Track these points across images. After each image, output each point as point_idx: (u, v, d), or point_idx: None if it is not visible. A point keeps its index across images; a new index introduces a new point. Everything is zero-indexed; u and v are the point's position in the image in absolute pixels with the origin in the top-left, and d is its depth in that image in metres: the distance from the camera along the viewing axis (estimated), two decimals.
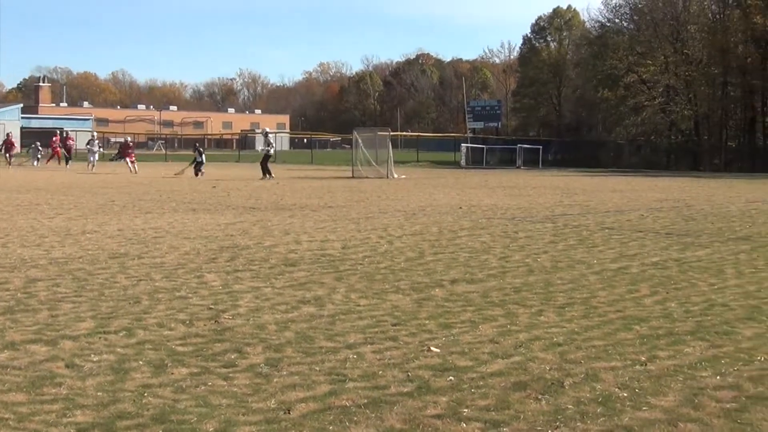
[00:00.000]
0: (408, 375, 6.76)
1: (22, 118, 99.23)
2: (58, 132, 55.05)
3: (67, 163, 52.45)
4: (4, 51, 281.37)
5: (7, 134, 54.04)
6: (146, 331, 8.19)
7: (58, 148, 54.77)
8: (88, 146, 50.30)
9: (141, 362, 7.05)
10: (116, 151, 52.69)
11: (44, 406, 5.90)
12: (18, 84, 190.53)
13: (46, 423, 5.57)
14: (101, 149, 53.63)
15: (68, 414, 5.75)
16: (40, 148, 54.76)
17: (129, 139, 50.86)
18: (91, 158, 49.32)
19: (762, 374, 6.90)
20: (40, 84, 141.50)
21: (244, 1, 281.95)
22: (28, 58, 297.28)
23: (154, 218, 19.45)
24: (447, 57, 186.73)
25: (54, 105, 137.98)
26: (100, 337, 7.88)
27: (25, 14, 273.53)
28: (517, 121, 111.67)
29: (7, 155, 52.69)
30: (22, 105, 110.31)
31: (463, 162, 70.37)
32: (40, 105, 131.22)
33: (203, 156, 43.93)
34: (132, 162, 47.41)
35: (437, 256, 13.64)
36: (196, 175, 42.20)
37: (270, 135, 43.19)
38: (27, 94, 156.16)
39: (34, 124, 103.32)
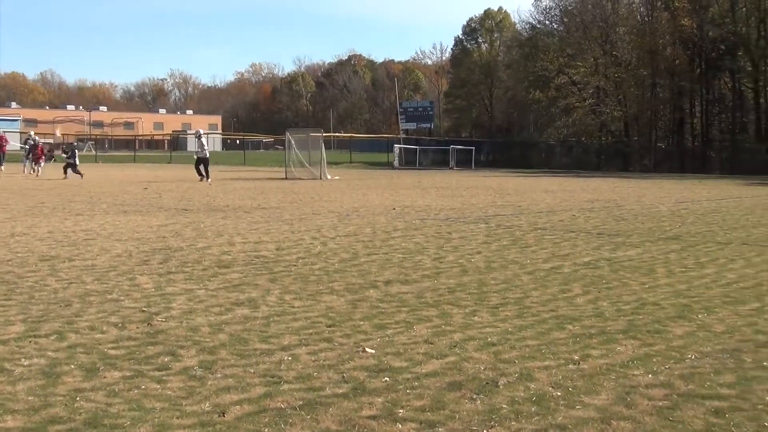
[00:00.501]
0: (343, 376, 6.76)
1: None
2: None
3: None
4: None
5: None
6: (78, 334, 8.09)
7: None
8: (25, 146, 47.96)
9: (73, 366, 6.96)
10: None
11: None
12: None
13: None
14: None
15: None
16: None
17: (37, 139, 48.44)
18: (29, 161, 47.11)
19: (693, 372, 6.99)
20: None
21: (175, 1, 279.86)
22: None
23: (84, 220, 19.23)
24: (379, 58, 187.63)
25: None
26: (30, 341, 7.77)
27: None
28: (450, 122, 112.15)
29: None
30: None
31: (396, 163, 70.53)
32: None
33: (76, 157, 42.17)
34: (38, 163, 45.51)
35: (371, 257, 13.64)
36: (65, 174, 40.89)
37: (203, 137, 41.65)
38: None
39: None
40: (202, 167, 39.72)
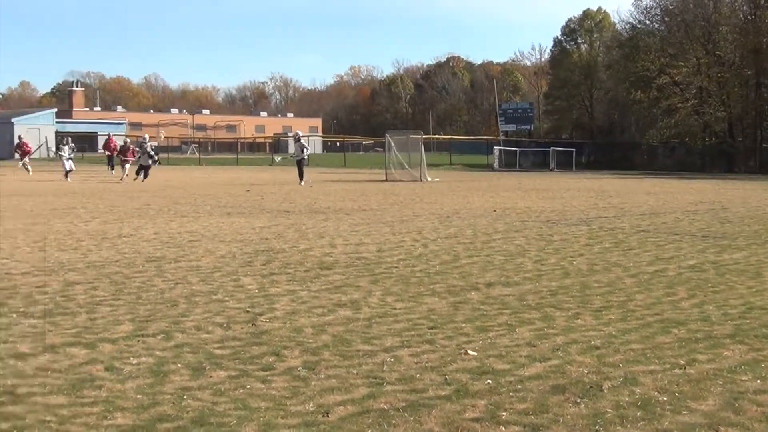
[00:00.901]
0: (446, 378, 6.76)
1: (57, 122, 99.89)
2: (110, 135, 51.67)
3: (112, 168, 49.62)
4: (38, 56, 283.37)
5: (19, 137, 52.33)
6: (184, 334, 8.24)
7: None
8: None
9: (180, 365, 7.08)
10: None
11: (85, 409, 5.94)
12: (52, 89, 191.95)
13: (87, 425, 5.62)
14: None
15: (108, 416, 5.79)
16: (73, 148, 51.21)
17: (128, 141, 47.22)
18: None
19: None
20: (74, 88, 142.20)
21: (275, 5, 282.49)
22: (62, 63, 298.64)
23: (189, 222, 19.55)
24: (477, 60, 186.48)
25: (87, 109, 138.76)
26: (138, 340, 7.93)
27: (58, 19, 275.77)
28: (550, 124, 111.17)
29: (22, 159, 50.63)
30: (56, 109, 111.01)
31: (496, 165, 70.20)
32: (74, 109, 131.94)
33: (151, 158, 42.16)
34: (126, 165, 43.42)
35: (472, 260, 13.62)
36: (137, 176, 40.55)
37: (303, 139, 41.80)
38: (61, 99, 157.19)
39: (69, 128, 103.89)
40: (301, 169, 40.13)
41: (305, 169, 40.67)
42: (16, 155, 51.87)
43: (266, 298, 10.09)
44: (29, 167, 48.18)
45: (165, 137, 52.37)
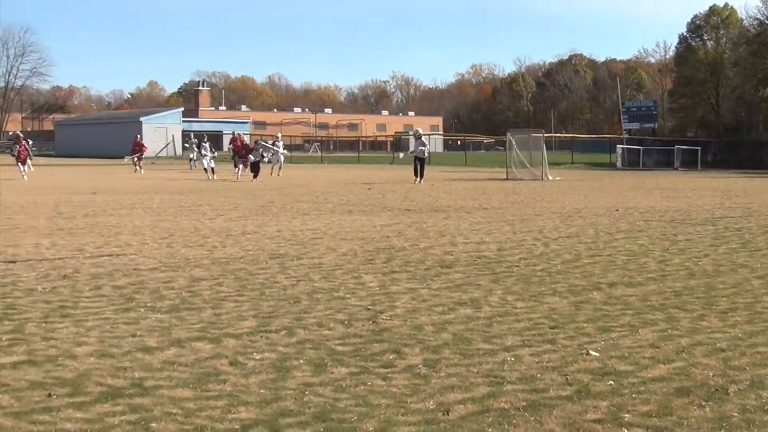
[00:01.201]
0: (567, 378, 6.71)
1: (183, 121, 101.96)
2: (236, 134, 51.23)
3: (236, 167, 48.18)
4: (165, 56, 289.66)
5: (135, 137, 52.74)
6: (306, 330, 8.33)
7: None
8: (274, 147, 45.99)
9: (302, 361, 7.17)
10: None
11: (209, 402, 6.06)
12: (178, 88, 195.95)
13: (212, 419, 5.72)
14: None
15: (233, 410, 5.89)
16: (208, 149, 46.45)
17: (244, 138, 46.42)
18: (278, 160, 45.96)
19: None
20: (200, 88, 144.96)
21: (396, 4, 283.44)
22: (188, 63, 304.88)
23: (311, 219, 19.76)
24: (600, 57, 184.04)
25: (213, 109, 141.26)
26: (261, 336, 8.05)
27: (185, 20, 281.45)
28: (674, 122, 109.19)
29: (136, 158, 50.89)
30: (182, 109, 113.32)
31: (618, 163, 69.26)
32: (200, 109, 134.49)
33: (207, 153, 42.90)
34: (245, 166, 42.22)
35: (594, 259, 13.48)
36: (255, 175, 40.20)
37: (424, 136, 41.64)
38: (187, 98, 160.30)
39: (195, 127, 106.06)
40: (419, 167, 39.60)
41: (426, 168, 40.24)
42: (130, 154, 52.40)
43: (387, 296, 10.15)
44: (139, 167, 48.83)
45: (282, 136, 51.28)
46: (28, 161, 41.44)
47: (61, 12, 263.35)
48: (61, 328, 8.27)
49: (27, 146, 41.90)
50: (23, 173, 39.84)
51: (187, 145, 46.17)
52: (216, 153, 46.04)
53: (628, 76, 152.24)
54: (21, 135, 41.85)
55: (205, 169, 43.88)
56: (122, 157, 54.41)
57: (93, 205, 23.39)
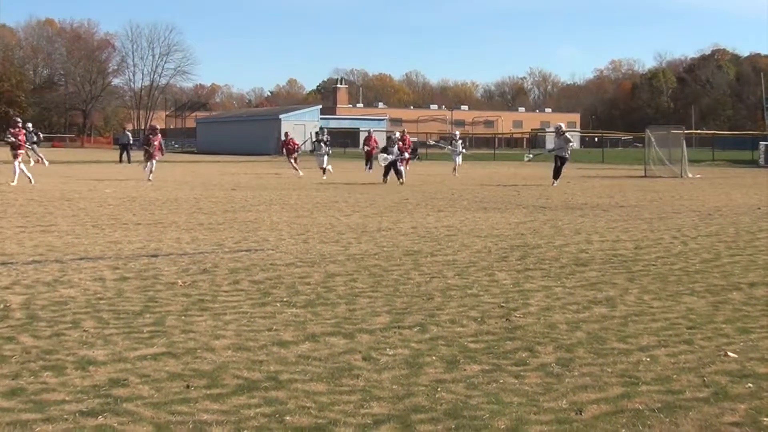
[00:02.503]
0: (704, 380, 6.58)
1: (321, 118, 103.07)
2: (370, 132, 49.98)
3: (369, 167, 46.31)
4: (304, 55, 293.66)
5: (285, 133, 49.53)
6: (439, 327, 8.35)
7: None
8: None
9: (434, 357, 7.19)
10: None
11: (342, 397, 6.12)
12: (317, 86, 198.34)
13: (345, 413, 5.78)
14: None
15: (365, 405, 5.94)
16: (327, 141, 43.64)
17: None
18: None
19: None
20: (338, 86, 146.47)
21: (534, 0, 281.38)
22: (327, 61, 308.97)
23: (446, 216, 19.78)
24: (744, 52, 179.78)
25: (351, 106, 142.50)
26: (395, 332, 8.10)
27: (324, 19, 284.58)
28: None
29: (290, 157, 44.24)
30: (321, 106, 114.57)
31: (761, 161, 67.30)
32: (338, 106, 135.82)
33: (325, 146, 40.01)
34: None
35: (734, 258, 13.17)
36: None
37: (568, 132, 37.15)
38: (326, 96, 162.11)
39: (332, 124, 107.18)
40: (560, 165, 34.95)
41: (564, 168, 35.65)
42: (282, 152, 50.18)
43: (520, 294, 10.10)
44: (297, 167, 42.60)
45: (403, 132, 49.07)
46: (156, 158, 35.55)
47: (204, 12, 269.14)
48: (200, 321, 8.47)
49: (161, 141, 36.60)
50: (149, 171, 35.00)
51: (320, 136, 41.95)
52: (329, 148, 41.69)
53: None
54: (157, 127, 37.98)
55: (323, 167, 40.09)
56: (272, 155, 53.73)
57: (232, 201, 23.86)
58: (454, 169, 43.30)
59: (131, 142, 61.50)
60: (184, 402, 5.95)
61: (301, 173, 40.76)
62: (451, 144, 45.47)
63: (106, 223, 17.45)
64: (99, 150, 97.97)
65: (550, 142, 37.09)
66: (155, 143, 35.30)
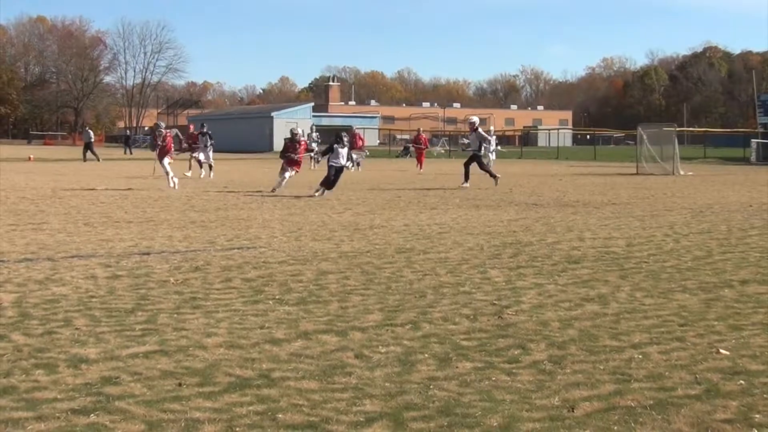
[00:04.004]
0: (696, 377, 6.59)
1: (313, 116, 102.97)
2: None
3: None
4: (296, 52, 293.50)
5: (313, 128, 46.85)
6: (431, 324, 8.35)
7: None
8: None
9: (426, 355, 7.19)
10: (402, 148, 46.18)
11: (335, 395, 6.12)
12: (309, 84, 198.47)
13: (337, 410, 5.78)
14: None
15: (357, 403, 5.94)
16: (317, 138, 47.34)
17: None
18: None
19: None
20: (330, 83, 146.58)
21: None
22: (319, 59, 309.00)
23: (438, 214, 19.79)
24: (736, 49, 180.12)
25: (343, 103, 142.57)
26: (387, 329, 8.10)
27: (316, 17, 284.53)
28: None
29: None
30: (313, 104, 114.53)
31: (753, 158, 67.44)
32: (330, 103, 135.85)
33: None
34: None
35: (726, 256, 13.20)
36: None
37: (484, 129, 34.36)
38: (318, 93, 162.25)
39: (324, 122, 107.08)
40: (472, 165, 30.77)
41: (493, 169, 31.88)
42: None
43: (513, 291, 10.11)
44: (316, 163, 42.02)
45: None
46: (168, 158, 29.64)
47: (196, 9, 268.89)
48: (192, 319, 8.46)
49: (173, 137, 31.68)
50: (171, 179, 28.33)
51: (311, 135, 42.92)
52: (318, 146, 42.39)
53: (765, 69, 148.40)
54: (162, 124, 32.31)
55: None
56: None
57: (224, 199, 23.83)
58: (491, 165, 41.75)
59: (92, 139, 60.50)
60: (176, 400, 5.95)
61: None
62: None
63: (98, 221, 17.43)
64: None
65: (472, 139, 28.03)
66: (167, 140, 29.32)
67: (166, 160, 29.17)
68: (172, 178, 28.35)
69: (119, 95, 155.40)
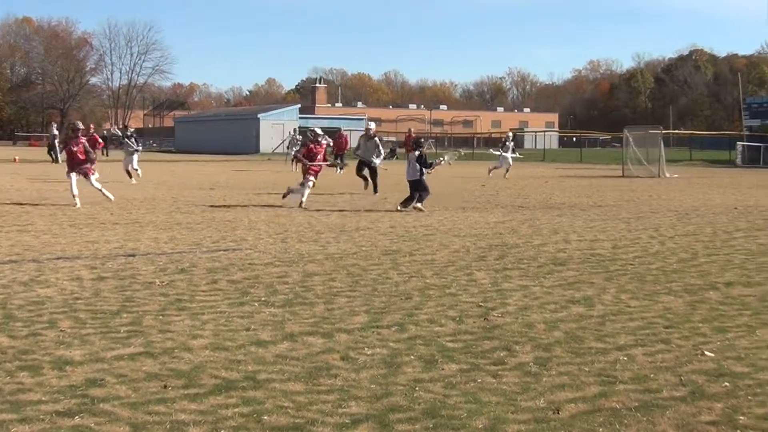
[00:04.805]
0: (681, 379, 6.61)
1: (300, 118, 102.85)
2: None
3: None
4: (283, 54, 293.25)
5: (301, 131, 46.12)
6: (417, 326, 8.36)
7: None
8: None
9: (412, 357, 7.20)
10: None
11: (321, 396, 6.12)
12: (296, 85, 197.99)
13: (323, 412, 5.78)
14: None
15: (343, 405, 5.94)
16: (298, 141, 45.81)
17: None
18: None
19: None
20: (317, 85, 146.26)
21: (513, 0, 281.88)
22: (306, 61, 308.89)
23: (424, 216, 19.78)
24: (722, 52, 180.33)
25: (329, 105, 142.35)
26: (373, 331, 8.11)
27: (303, 18, 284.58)
28: None
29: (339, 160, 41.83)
30: (299, 105, 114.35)
31: (738, 161, 67.69)
32: (317, 105, 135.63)
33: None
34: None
35: (711, 258, 13.24)
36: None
37: (380, 136, 33.58)
38: (304, 95, 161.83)
39: (311, 123, 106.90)
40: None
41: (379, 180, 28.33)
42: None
43: (499, 293, 10.12)
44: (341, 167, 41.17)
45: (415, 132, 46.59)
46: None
47: (182, 10, 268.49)
48: (178, 321, 8.45)
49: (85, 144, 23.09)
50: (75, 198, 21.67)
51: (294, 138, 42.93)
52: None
53: (750, 72, 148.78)
54: (79, 126, 23.16)
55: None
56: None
57: (210, 201, 23.78)
58: (507, 170, 41.10)
59: (57, 136, 58.83)
60: (162, 402, 5.94)
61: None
62: (504, 146, 42.40)
63: (84, 223, 17.38)
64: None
65: (362, 144, 24.71)
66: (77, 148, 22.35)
67: (74, 176, 22.28)
68: (76, 197, 21.67)
69: (105, 96, 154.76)
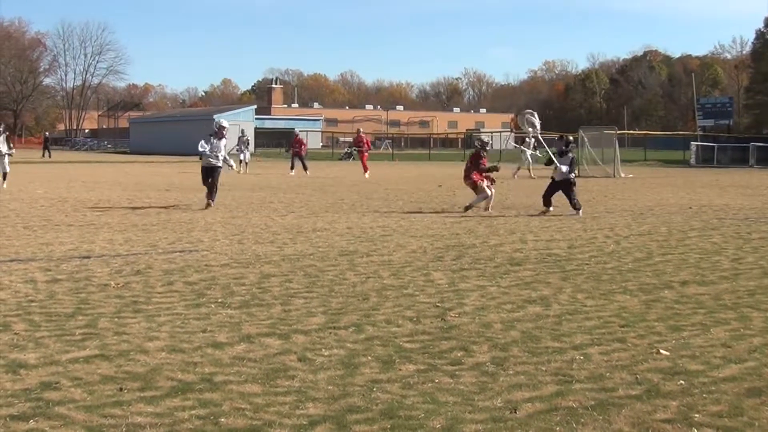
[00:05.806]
0: (636, 377, 6.66)
1: (256, 119, 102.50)
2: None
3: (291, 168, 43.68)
4: (239, 54, 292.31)
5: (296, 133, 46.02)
6: (375, 327, 8.36)
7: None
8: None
9: (370, 358, 7.20)
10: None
11: (278, 398, 6.11)
12: (252, 86, 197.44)
13: (280, 414, 5.77)
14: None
15: (301, 406, 5.93)
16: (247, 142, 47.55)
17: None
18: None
19: None
20: (273, 86, 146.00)
21: (468, 1, 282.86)
22: (262, 61, 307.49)
23: (381, 217, 19.78)
24: (676, 53, 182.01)
25: (286, 106, 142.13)
26: (330, 332, 8.09)
27: (259, 19, 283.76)
28: (750, 119, 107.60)
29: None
30: (255, 106, 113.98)
31: (692, 161, 68.34)
32: (273, 106, 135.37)
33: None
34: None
35: (666, 257, 13.34)
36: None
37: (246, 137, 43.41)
38: (260, 96, 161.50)
39: (267, 124, 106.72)
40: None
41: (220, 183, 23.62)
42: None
43: (456, 293, 10.14)
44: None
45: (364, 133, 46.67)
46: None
47: (136, 10, 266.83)
48: (133, 323, 8.39)
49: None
50: None
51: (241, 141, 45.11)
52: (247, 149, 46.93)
53: (704, 73, 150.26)
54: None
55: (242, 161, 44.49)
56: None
57: (166, 202, 23.64)
58: (528, 170, 41.20)
59: None
60: (117, 405, 5.89)
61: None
62: (523, 143, 42.87)
63: (38, 225, 17.21)
64: (30, 150, 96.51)
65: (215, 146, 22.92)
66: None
67: None
68: None
69: (59, 97, 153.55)
